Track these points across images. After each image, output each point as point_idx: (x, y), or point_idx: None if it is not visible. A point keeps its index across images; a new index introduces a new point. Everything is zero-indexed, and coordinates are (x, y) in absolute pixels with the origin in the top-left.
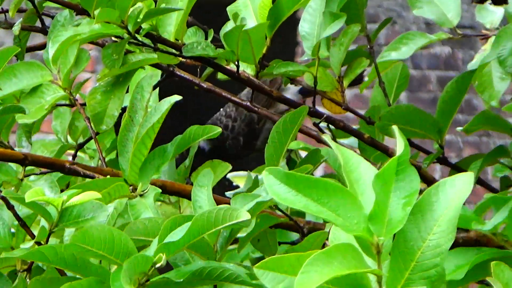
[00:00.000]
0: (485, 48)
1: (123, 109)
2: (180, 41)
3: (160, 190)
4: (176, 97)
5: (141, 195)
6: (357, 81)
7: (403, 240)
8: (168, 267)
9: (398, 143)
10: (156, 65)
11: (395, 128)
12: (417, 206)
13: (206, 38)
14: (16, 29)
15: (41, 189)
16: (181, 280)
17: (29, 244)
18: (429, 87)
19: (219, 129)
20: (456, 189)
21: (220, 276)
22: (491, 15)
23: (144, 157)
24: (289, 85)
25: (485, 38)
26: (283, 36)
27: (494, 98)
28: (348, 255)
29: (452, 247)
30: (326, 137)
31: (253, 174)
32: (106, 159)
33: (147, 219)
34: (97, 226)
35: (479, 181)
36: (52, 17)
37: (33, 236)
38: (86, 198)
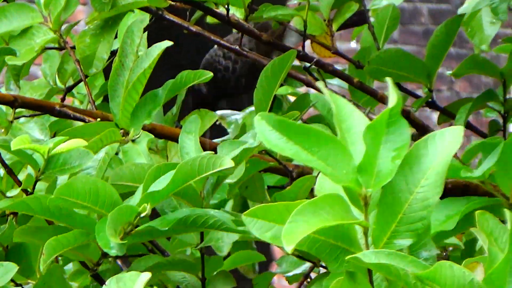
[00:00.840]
0: None
1: (112, 52)
2: None
3: (153, 136)
4: (167, 43)
5: (133, 141)
6: (360, 21)
7: (391, 192)
8: (156, 213)
9: (390, 95)
10: (145, 9)
11: (388, 79)
12: (406, 158)
13: None
14: None
15: (27, 136)
16: (166, 228)
17: (16, 191)
18: (421, 19)
19: (211, 74)
20: (445, 142)
21: (205, 223)
22: None
23: (135, 102)
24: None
25: None
26: None
27: (485, 42)
28: (336, 206)
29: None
30: (320, 84)
31: (239, 117)
32: (96, 103)
33: (134, 164)
34: (82, 177)
35: (467, 125)
36: None
37: (19, 184)
38: (72, 145)
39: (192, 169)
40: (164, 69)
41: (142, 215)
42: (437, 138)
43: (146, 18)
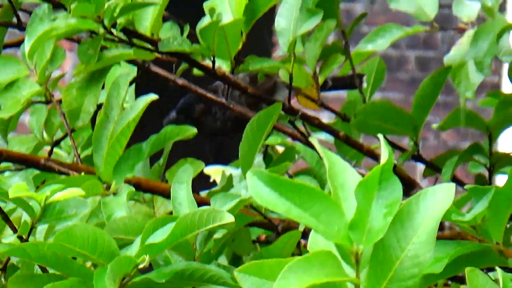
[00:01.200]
0: (462, 42)
1: (99, 105)
2: (155, 36)
3: (133, 189)
4: (153, 96)
5: (114, 194)
6: (352, 85)
7: (382, 249)
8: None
9: (382, 151)
10: (131, 61)
11: (380, 136)
12: (397, 215)
13: (182, 33)
14: None
15: (25, 184)
16: (163, 280)
17: (10, 237)
18: (407, 67)
19: (195, 130)
20: (437, 200)
21: (203, 277)
22: (468, 9)
23: (119, 155)
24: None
25: (462, 31)
26: (260, 30)
27: (470, 89)
28: (327, 263)
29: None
30: (313, 140)
31: (228, 171)
32: (83, 155)
33: (127, 217)
34: (81, 225)
35: (453, 179)
36: (30, 13)
37: (15, 230)
38: (69, 194)
39: (192, 223)
40: (155, 113)
41: (141, 266)
42: (429, 195)
43: (133, 71)
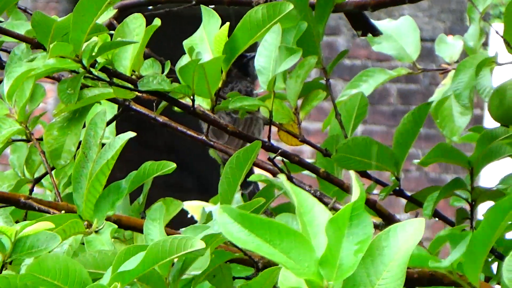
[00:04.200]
0: (444, 83)
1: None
2: (137, 73)
3: (116, 226)
4: (131, 134)
5: (96, 231)
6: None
7: (353, 285)
8: None
9: (354, 189)
10: (112, 100)
11: (352, 173)
12: (368, 250)
13: (163, 70)
14: None
15: None
16: None
17: None
18: (389, 100)
19: (174, 165)
20: (406, 235)
21: None
22: (451, 49)
23: (98, 193)
24: None
25: (445, 72)
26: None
27: (455, 134)
28: None
29: (408, 283)
30: (282, 177)
31: (207, 208)
32: (65, 193)
33: (97, 251)
34: (53, 256)
35: (435, 214)
36: (9, 52)
37: None
38: (39, 228)
39: (163, 250)
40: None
41: None
42: (399, 230)
43: (114, 107)
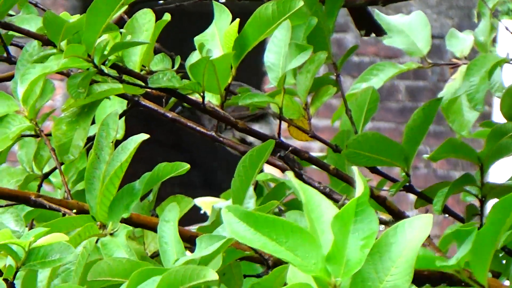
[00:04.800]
0: (454, 78)
1: (89, 139)
2: (147, 68)
3: (131, 228)
4: (143, 136)
5: (111, 234)
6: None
7: (361, 281)
8: None
9: (357, 184)
10: (121, 95)
11: (354, 168)
12: (375, 246)
13: (173, 65)
14: None
15: (8, 231)
16: None
17: None
18: (398, 97)
19: (188, 166)
20: (414, 230)
21: None
22: (461, 44)
23: (113, 195)
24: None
25: (455, 66)
26: (252, 62)
27: (465, 128)
28: None
29: (418, 281)
30: (289, 174)
31: (218, 205)
32: (75, 189)
33: (112, 259)
34: (63, 286)
35: (445, 210)
36: (20, 47)
37: (0, 273)
38: (53, 240)
39: (176, 280)
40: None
41: None
42: (406, 226)
43: (123, 103)
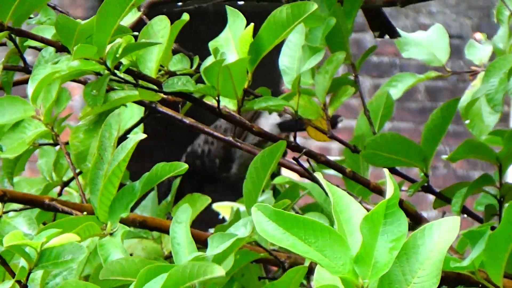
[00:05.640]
0: (474, 84)
1: None
2: (166, 68)
3: (128, 229)
4: (141, 135)
5: (111, 234)
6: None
7: (388, 283)
8: None
9: (388, 186)
10: (138, 102)
11: (386, 170)
12: (403, 248)
13: (192, 65)
14: None
15: (20, 232)
16: None
17: (8, 283)
18: (417, 96)
19: (186, 166)
20: (442, 233)
21: None
22: (480, 52)
23: (112, 195)
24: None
25: (474, 74)
26: (270, 63)
27: (485, 133)
28: None
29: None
30: (318, 175)
31: (235, 206)
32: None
33: (124, 258)
34: (72, 282)
35: (464, 211)
36: (38, 50)
37: (13, 274)
38: (64, 240)
39: (183, 276)
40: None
41: None
42: (434, 229)
43: (141, 110)
